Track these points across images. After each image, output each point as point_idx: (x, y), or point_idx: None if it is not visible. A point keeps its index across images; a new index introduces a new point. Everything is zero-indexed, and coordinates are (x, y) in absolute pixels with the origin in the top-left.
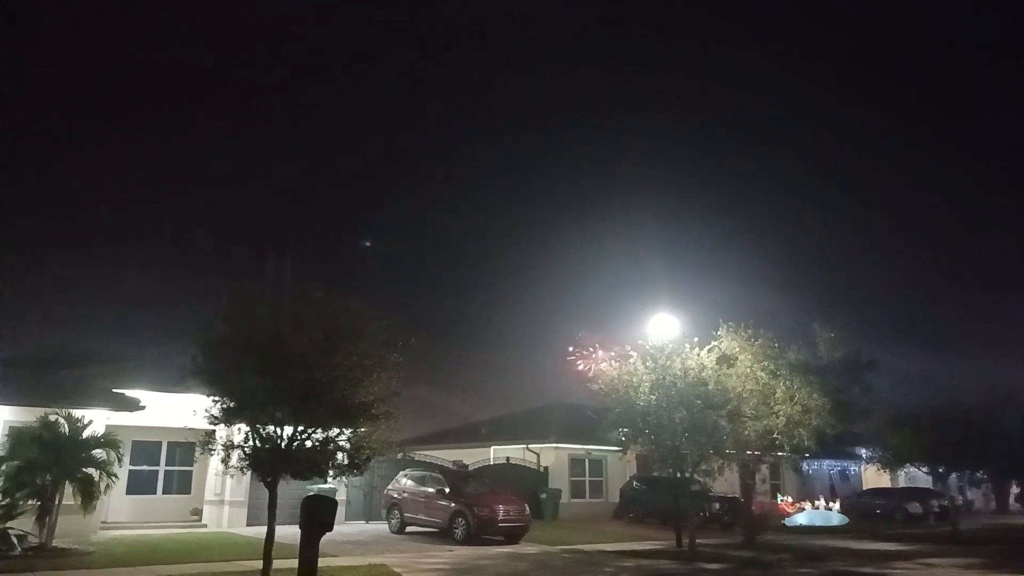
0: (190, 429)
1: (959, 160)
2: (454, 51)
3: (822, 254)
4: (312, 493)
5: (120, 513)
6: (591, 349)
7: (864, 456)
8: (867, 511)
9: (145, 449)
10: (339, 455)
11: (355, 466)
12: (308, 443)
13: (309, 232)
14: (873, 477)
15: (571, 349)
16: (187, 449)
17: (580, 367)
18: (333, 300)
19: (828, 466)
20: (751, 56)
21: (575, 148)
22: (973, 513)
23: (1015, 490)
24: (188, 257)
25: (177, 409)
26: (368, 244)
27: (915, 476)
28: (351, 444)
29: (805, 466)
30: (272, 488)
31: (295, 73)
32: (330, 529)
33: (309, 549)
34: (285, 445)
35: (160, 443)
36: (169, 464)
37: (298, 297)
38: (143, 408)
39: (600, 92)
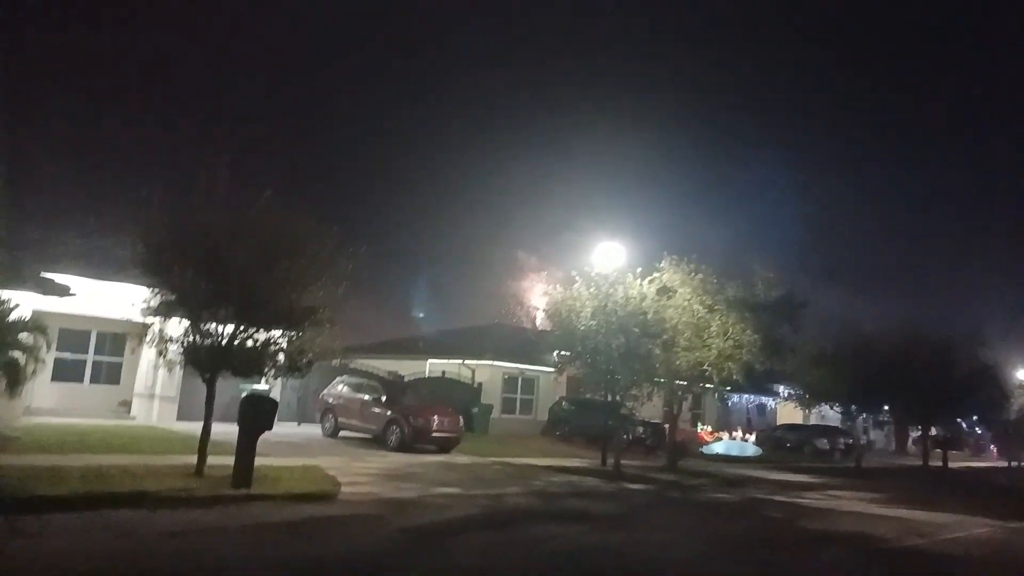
0: (128, 321)
1: (899, 99)
2: None
3: (763, 192)
4: (247, 392)
5: (44, 400)
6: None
7: (782, 393)
8: (779, 444)
9: (73, 337)
10: (280, 356)
11: (296, 369)
12: (249, 343)
13: (260, 140)
14: (787, 413)
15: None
16: (117, 340)
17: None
18: (273, 212)
19: (746, 400)
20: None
21: (527, 70)
22: (875, 452)
23: (914, 434)
24: (121, 146)
25: (109, 298)
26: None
27: (825, 415)
28: (293, 347)
29: (717, 397)
30: (211, 385)
31: None
32: (269, 428)
33: (247, 448)
34: (226, 343)
35: (89, 332)
36: (98, 354)
37: (238, 207)
38: (73, 295)
39: (557, 17)
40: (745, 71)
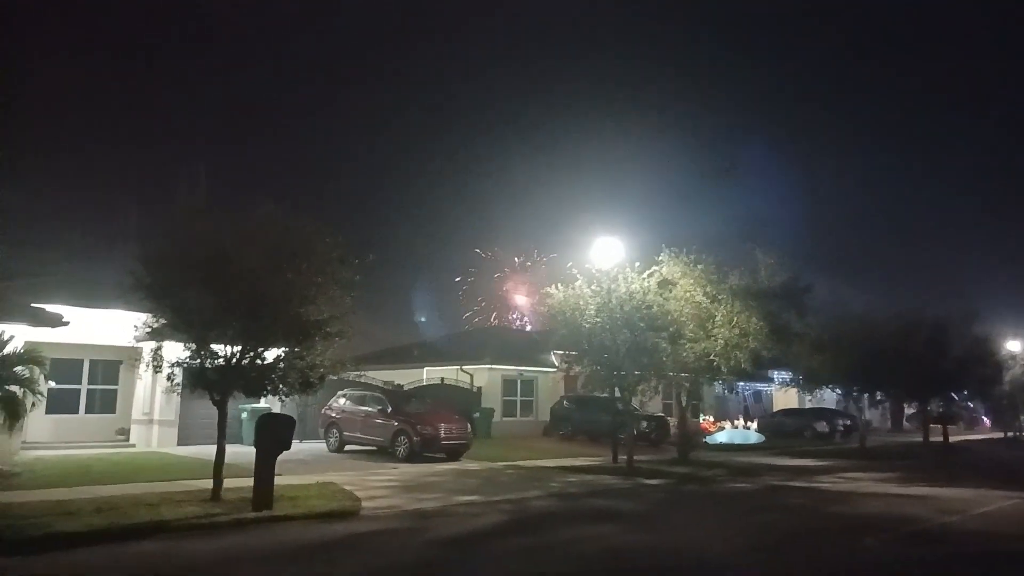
0: (126, 347)
1: (892, 84)
2: None
3: (759, 179)
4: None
5: (40, 433)
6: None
7: (779, 379)
8: (779, 430)
9: (66, 367)
10: (292, 373)
11: (309, 384)
12: (259, 361)
13: (251, 153)
14: (782, 398)
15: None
16: (111, 367)
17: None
18: (281, 215)
19: (743, 387)
20: None
21: (522, 66)
22: (871, 431)
23: (909, 411)
24: (105, 170)
25: (102, 325)
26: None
27: (820, 397)
28: (305, 362)
29: (725, 387)
30: (222, 407)
31: None
32: (287, 448)
33: (266, 469)
34: (235, 362)
35: (82, 361)
36: (92, 383)
37: (241, 214)
38: (66, 324)
39: (552, 14)
40: (742, 59)
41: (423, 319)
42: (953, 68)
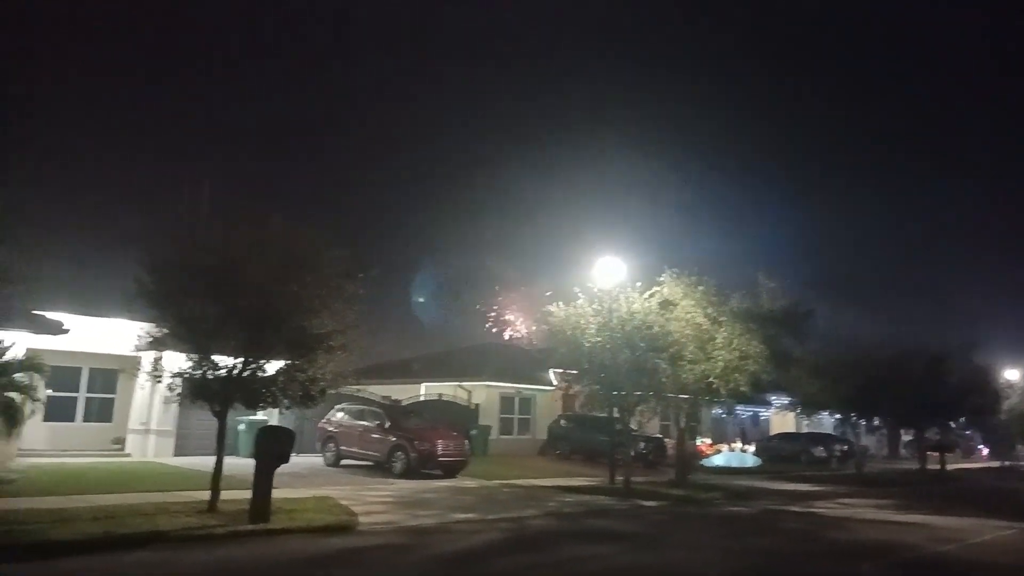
0: (126, 356)
1: (897, 112)
2: None
3: (763, 205)
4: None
5: (36, 441)
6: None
7: (777, 403)
8: (775, 454)
9: (64, 375)
10: (294, 385)
11: (310, 397)
12: (260, 372)
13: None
14: (779, 422)
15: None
16: (109, 375)
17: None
18: (289, 228)
19: (740, 411)
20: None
21: (527, 81)
22: (868, 457)
23: (906, 438)
24: (110, 177)
25: (102, 334)
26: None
27: (817, 422)
28: (307, 375)
29: (723, 410)
30: (222, 418)
31: None
32: (286, 461)
33: (264, 481)
34: (237, 373)
35: (80, 369)
36: (90, 391)
37: (252, 223)
38: (67, 331)
39: (557, 29)
40: (746, 83)
41: (421, 299)
42: (959, 102)
